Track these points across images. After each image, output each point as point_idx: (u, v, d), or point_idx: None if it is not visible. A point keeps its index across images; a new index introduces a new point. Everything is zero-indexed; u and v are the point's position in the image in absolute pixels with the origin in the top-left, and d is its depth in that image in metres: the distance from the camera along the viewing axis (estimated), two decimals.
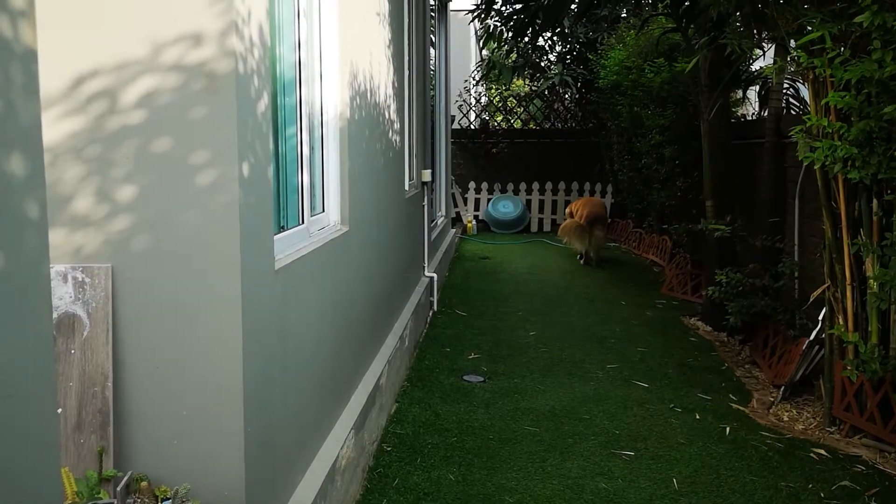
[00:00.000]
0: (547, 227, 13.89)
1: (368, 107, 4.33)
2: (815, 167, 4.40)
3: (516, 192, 14.15)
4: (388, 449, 4.23)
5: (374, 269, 4.64)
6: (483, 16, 11.08)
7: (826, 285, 4.80)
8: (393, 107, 5.31)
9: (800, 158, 4.56)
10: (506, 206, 13.74)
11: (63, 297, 2.27)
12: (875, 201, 4.39)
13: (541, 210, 14.08)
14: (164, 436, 2.30)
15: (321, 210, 3.67)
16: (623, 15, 11.53)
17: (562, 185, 14.01)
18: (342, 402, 3.72)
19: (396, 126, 5.50)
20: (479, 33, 14.40)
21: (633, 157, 10.47)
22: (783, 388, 5.23)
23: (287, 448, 2.78)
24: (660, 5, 7.54)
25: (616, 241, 12.49)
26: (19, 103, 1.18)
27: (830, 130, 4.22)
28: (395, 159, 5.46)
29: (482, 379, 5.48)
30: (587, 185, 13.93)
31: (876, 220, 4.40)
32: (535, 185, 14.04)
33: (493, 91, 15.51)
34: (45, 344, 1.25)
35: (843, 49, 3.89)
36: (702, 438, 4.48)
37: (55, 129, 2.20)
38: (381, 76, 4.77)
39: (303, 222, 3.28)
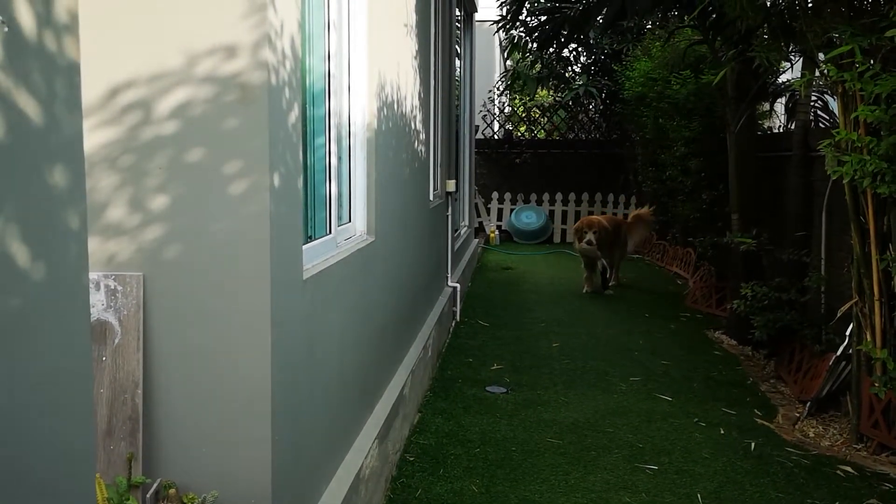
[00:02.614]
0: (570, 238, 13.82)
1: (395, 117, 4.36)
2: (844, 181, 4.36)
3: (539, 202, 14.14)
4: (411, 459, 4.23)
5: (399, 278, 4.65)
6: (508, 27, 11.11)
7: (854, 300, 4.75)
8: (419, 117, 5.34)
9: (828, 173, 4.53)
10: (529, 217, 13.72)
11: (95, 304, 2.30)
12: None
13: (564, 221, 14.05)
14: (192, 443, 2.32)
15: (348, 220, 3.70)
16: (648, 26, 11.51)
17: (585, 196, 13.98)
18: (366, 410, 3.73)
19: (422, 136, 5.53)
20: (503, 44, 14.43)
21: (657, 169, 10.42)
22: (809, 403, 5.17)
23: (313, 457, 2.80)
24: (686, 17, 7.52)
25: (639, 254, 12.42)
26: (62, 116, 1.21)
27: (860, 145, 4.18)
28: (420, 169, 5.48)
29: (505, 390, 5.47)
30: (611, 197, 13.88)
31: None
32: (559, 196, 14.02)
33: (517, 101, 15.51)
34: (83, 353, 1.27)
35: (872, 63, 3.86)
36: (726, 453, 4.44)
37: (90, 138, 2.24)
38: (407, 87, 4.79)
39: (330, 232, 3.30)
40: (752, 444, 4.59)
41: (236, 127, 2.20)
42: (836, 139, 4.37)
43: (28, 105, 1.12)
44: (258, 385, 2.28)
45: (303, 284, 2.59)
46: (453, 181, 7.27)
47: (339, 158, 3.51)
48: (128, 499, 2.14)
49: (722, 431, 4.79)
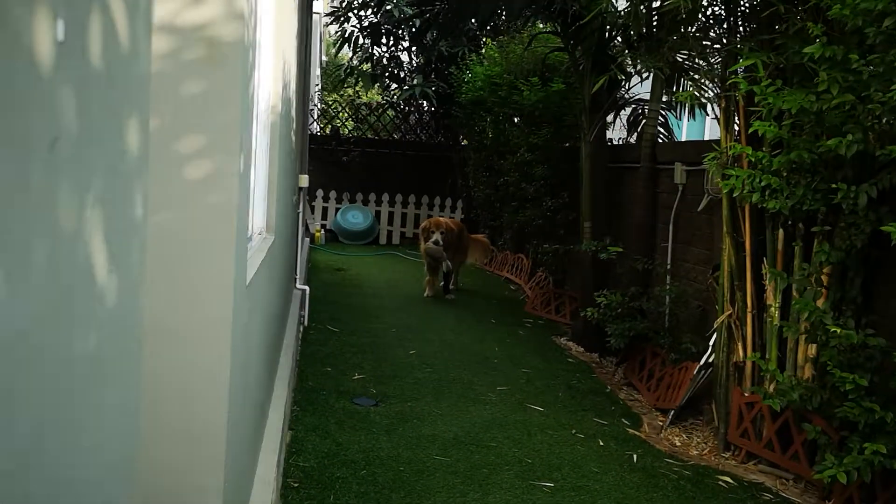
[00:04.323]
0: (396, 240, 13.62)
1: (287, 101, 3.89)
2: (735, 195, 4.43)
3: (366, 202, 13.78)
4: (295, 485, 3.77)
5: (278, 282, 4.17)
6: (343, 20, 10.72)
7: (728, 312, 4.87)
8: (295, 104, 4.86)
9: (718, 184, 4.60)
10: (355, 217, 13.34)
11: None
12: (781, 231, 4.49)
13: (390, 222, 13.79)
14: None
15: None
16: (485, 31, 11.51)
17: (412, 198, 13.80)
18: (261, 431, 3.26)
19: (294, 126, 5.05)
20: (332, 38, 13.96)
21: (492, 174, 10.43)
22: (672, 412, 5.26)
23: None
24: (549, 24, 7.54)
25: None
26: None
27: (753, 160, 4.26)
28: (294, 161, 5.00)
29: (374, 402, 5.11)
30: (437, 200, 13.80)
31: (781, 249, 4.50)
32: (385, 197, 13.74)
33: (342, 98, 15.06)
34: None
35: (776, 79, 3.93)
36: (613, 467, 4.37)
37: None
38: (292, 70, 4.33)
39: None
40: (634, 456, 4.57)
41: (199, 93, 1.73)
42: (731, 153, 4.45)
43: None
44: (212, 422, 1.80)
45: (246, 289, 2.12)
46: (306, 176, 6.78)
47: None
48: None
49: (601, 443, 4.74)
